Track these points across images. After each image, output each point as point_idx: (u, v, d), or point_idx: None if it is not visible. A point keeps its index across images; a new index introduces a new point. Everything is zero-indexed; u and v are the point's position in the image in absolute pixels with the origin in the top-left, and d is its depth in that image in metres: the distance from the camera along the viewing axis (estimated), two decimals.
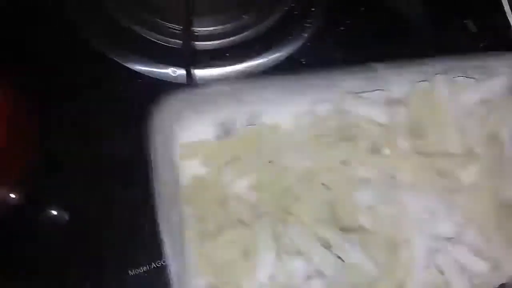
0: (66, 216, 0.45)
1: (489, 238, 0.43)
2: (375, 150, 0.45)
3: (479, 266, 0.41)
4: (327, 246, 0.40)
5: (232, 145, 0.47)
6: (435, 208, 0.42)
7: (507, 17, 0.56)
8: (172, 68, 0.56)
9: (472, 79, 0.48)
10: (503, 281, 0.41)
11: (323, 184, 0.44)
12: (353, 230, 0.41)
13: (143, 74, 0.55)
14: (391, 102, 0.47)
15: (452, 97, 0.47)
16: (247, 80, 0.47)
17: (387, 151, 0.45)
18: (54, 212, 0.45)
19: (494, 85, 0.47)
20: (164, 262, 0.39)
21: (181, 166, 0.45)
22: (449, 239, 0.42)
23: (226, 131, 0.48)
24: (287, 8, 0.59)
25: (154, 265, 0.40)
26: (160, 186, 0.40)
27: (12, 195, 0.44)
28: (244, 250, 0.41)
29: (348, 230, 0.41)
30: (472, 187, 0.44)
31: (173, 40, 0.57)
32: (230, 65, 0.56)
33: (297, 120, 0.48)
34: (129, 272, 0.41)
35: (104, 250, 0.44)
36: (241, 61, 0.57)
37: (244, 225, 0.42)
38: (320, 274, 0.40)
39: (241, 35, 0.58)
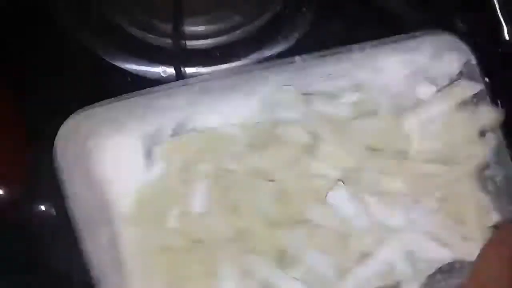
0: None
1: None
2: None
3: (435, 251, 0.42)
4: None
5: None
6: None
7: (498, 16, 0.55)
8: (162, 67, 0.56)
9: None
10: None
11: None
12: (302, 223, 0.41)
13: (132, 73, 0.55)
14: None
15: None
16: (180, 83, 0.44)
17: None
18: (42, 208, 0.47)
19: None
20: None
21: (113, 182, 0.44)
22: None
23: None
24: (278, 8, 0.59)
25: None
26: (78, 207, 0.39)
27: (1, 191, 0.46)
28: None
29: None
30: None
31: (163, 38, 0.57)
32: (220, 64, 0.56)
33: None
34: None
35: None
36: (231, 60, 0.57)
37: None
38: None
39: (231, 34, 0.58)
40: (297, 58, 0.44)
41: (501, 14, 0.54)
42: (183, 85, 0.44)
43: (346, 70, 0.47)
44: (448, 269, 0.43)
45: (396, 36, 0.46)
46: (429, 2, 0.57)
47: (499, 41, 0.54)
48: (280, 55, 0.56)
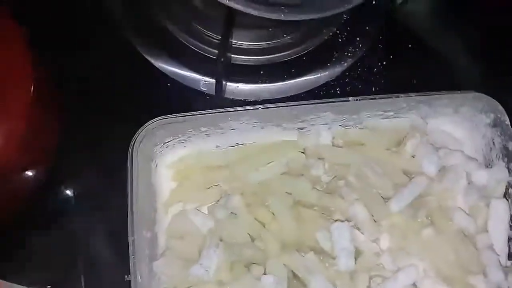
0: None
1: None
2: None
3: None
4: None
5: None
6: None
7: None
8: (204, 77, 0.54)
9: None
10: None
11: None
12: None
13: (173, 78, 0.54)
14: None
15: None
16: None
17: None
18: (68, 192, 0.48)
19: None
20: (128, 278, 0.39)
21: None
22: None
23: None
24: (331, 34, 0.57)
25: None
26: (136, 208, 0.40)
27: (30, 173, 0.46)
28: None
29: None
30: None
31: (208, 48, 0.55)
32: (262, 83, 0.55)
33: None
34: None
35: None
36: (274, 80, 0.55)
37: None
38: None
39: (278, 55, 0.56)
40: (350, 98, 0.45)
41: None
42: (246, 109, 0.44)
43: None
44: None
45: (441, 92, 0.46)
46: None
47: None
48: (324, 85, 0.55)
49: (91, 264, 0.45)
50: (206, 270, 0.39)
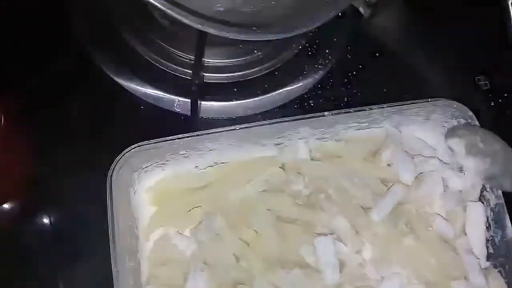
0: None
1: None
2: None
3: None
4: None
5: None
6: None
7: None
8: (177, 98, 0.54)
9: None
10: None
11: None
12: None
13: (146, 100, 0.53)
14: None
15: None
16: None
17: None
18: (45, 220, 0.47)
19: None
20: None
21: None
22: None
23: None
24: (300, 47, 0.58)
25: None
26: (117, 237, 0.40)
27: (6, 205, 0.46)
28: None
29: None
30: None
31: (180, 68, 0.55)
32: (236, 100, 0.55)
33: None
34: None
35: None
36: (248, 97, 0.55)
37: None
38: None
39: (251, 71, 0.57)
40: (326, 113, 0.45)
41: None
42: (223, 131, 0.44)
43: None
44: None
45: (413, 101, 0.47)
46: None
47: None
48: (297, 98, 0.56)
49: None
50: None
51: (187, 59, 0.56)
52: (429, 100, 0.47)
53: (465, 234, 0.45)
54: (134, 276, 0.40)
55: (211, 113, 0.54)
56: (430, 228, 0.44)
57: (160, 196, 0.44)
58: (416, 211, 0.45)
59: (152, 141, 0.42)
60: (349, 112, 0.46)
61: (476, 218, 0.45)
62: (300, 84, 0.56)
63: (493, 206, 0.45)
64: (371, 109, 0.46)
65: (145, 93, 0.54)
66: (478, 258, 0.44)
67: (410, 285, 0.43)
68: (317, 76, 0.57)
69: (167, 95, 0.54)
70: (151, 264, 0.42)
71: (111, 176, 0.40)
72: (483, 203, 0.46)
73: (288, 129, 0.45)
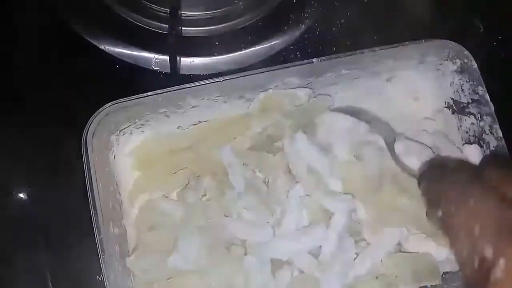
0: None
1: None
2: None
3: None
4: None
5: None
6: None
7: None
8: (155, 55, 0.50)
9: None
10: None
11: None
12: None
13: (121, 60, 0.50)
14: None
15: None
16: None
17: None
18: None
19: None
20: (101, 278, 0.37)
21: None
22: None
23: None
24: None
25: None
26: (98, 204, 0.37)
27: None
28: None
29: None
30: None
31: (157, 23, 0.51)
32: (218, 54, 0.52)
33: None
34: None
35: None
36: (230, 51, 0.52)
37: None
38: None
39: (232, 23, 0.53)
40: (314, 60, 0.42)
41: None
42: (205, 83, 0.41)
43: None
44: None
45: (406, 43, 0.44)
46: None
47: None
48: (283, 50, 0.52)
49: (58, 267, 0.42)
50: (185, 260, 0.37)
51: (163, 12, 0.52)
52: (423, 41, 0.44)
53: None
54: (120, 242, 0.38)
55: (192, 70, 0.51)
56: None
57: (142, 160, 0.42)
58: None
59: (127, 98, 0.39)
60: (339, 57, 0.43)
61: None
62: (286, 35, 0.53)
63: (493, 148, 0.44)
64: (362, 53, 0.43)
65: (121, 51, 0.50)
66: None
67: (412, 235, 0.41)
68: (304, 25, 0.53)
69: (144, 53, 0.50)
70: (138, 230, 0.40)
71: (86, 138, 0.37)
72: (481, 146, 0.44)
73: (275, 80, 0.43)
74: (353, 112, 0.46)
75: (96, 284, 0.38)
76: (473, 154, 0.44)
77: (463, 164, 0.42)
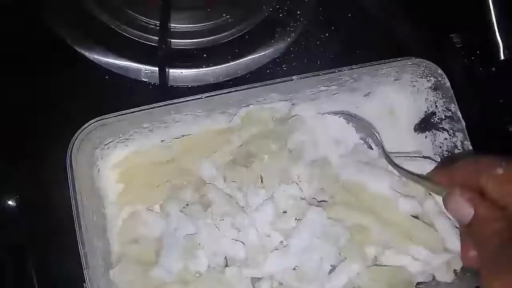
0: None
1: None
2: None
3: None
4: None
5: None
6: None
7: (496, 35, 0.53)
8: (144, 66, 0.51)
9: None
10: None
11: None
12: None
13: (111, 71, 0.50)
14: None
15: None
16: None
17: None
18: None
19: None
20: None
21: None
22: None
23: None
24: (271, 9, 0.54)
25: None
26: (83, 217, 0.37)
27: None
28: None
29: None
30: None
31: (146, 35, 0.52)
32: (206, 66, 0.52)
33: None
34: None
35: None
36: (218, 63, 0.52)
37: None
38: None
39: (220, 36, 0.53)
40: (294, 77, 0.43)
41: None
42: (188, 100, 0.41)
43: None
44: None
45: (382, 61, 0.45)
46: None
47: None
48: (269, 63, 0.53)
49: (44, 278, 0.42)
50: (167, 272, 0.38)
51: (152, 25, 0.52)
52: (399, 59, 0.45)
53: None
54: (103, 255, 0.39)
55: (181, 81, 0.51)
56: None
57: (126, 173, 0.42)
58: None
59: (113, 114, 0.39)
60: (318, 75, 0.43)
61: None
62: (272, 48, 0.53)
63: None
64: (341, 70, 0.44)
65: (110, 62, 0.50)
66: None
67: (387, 249, 0.42)
68: (289, 38, 0.54)
69: (133, 64, 0.51)
70: (121, 243, 0.41)
71: (71, 153, 0.38)
72: None
73: (256, 95, 0.43)
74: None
75: None
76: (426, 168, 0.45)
77: None
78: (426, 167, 0.44)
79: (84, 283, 0.37)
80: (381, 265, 0.42)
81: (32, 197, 0.43)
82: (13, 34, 0.49)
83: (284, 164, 0.42)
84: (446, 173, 0.39)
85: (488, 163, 0.34)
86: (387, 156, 0.44)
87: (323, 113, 0.47)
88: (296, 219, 0.40)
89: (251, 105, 0.44)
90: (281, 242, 0.40)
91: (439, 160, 0.47)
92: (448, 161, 0.45)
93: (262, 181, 0.42)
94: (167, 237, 0.40)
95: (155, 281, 0.38)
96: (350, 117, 0.47)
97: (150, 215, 0.41)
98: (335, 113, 0.47)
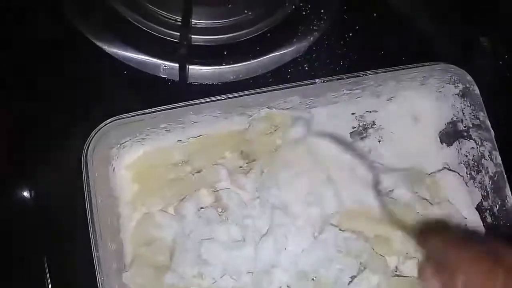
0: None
1: None
2: None
3: None
4: None
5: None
6: None
7: None
8: (164, 62, 0.49)
9: None
10: None
11: None
12: None
13: (129, 65, 0.48)
14: None
15: None
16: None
17: None
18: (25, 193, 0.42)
19: None
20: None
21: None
22: None
23: None
24: (294, 7, 0.52)
25: None
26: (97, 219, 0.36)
27: None
28: None
29: None
30: None
31: (166, 30, 0.49)
32: (226, 64, 0.50)
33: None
34: None
35: None
36: (238, 61, 0.50)
37: None
38: None
39: (241, 33, 0.51)
40: (317, 80, 0.41)
41: None
42: (207, 101, 0.39)
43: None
44: None
45: (409, 66, 0.43)
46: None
47: None
48: (291, 62, 0.50)
49: (56, 276, 0.40)
50: (181, 278, 0.36)
51: (173, 20, 0.50)
52: (426, 64, 0.42)
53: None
54: (116, 258, 0.37)
55: (200, 78, 0.49)
56: None
57: (141, 173, 0.41)
58: None
59: (130, 114, 0.37)
60: (342, 78, 0.41)
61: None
62: (294, 47, 0.51)
63: (492, 174, 0.42)
64: (365, 74, 0.41)
65: (129, 57, 0.48)
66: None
67: (408, 259, 0.40)
68: (312, 38, 0.51)
69: (153, 59, 0.48)
70: (135, 244, 0.39)
71: (86, 152, 0.36)
72: (480, 171, 0.43)
73: (277, 98, 0.41)
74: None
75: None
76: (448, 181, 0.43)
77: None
78: (449, 179, 0.42)
79: None
80: (402, 276, 0.40)
81: (47, 196, 0.42)
82: (31, 27, 0.47)
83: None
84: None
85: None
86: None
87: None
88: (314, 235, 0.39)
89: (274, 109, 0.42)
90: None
91: (464, 170, 0.44)
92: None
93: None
94: (181, 241, 0.38)
95: (168, 285, 0.37)
96: None
97: (164, 217, 0.39)
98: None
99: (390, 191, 0.42)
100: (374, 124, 0.47)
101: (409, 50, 0.49)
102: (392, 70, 0.42)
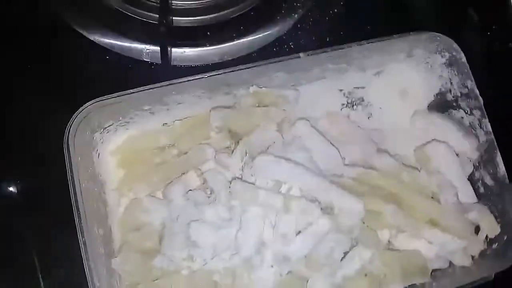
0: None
1: None
2: None
3: None
4: None
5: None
6: None
7: None
8: (146, 46, 0.48)
9: None
10: None
11: None
12: None
13: (111, 51, 0.46)
14: None
15: None
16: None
17: None
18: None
19: None
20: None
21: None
22: None
23: None
24: None
25: None
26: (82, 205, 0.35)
27: None
28: None
29: None
30: None
31: (147, 13, 0.48)
32: (210, 45, 0.49)
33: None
34: None
35: None
36: (223, 41, 0.49)
37: None
38: None
39: (224, 13, 0.49)
40: (301, 54, 0.40)
41: None
42: (190, 80, 0.38)
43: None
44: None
45: (394, 36, 0.42)
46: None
47: None
48: (276, 40, 0.49)
49: (45, 266, 0.40)
50: (170, 260, 0.35)
51: (154, 2, 0.49)
52: (411, 33, 0.41)
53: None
54: (104, 243, 0.36)
55: (184, 61, 0.48)
56: None
57: (127, 157, 0.39)
58: None
59: (112, 95, 0.36)
60: (326, 51, 0.40)
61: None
62: (278, 25, 0.49)
63: (482, 142, 0.41)
64: (350, 47, 0.40)
65: (110, 42, 0.47)
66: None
67: (400, 233, 0.39)
68: (297, 15, 0.50)
69: (135, 43, 0.47)
70: (123, 230, 0.38)
71: (68, 136, 0.35)
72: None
73: (262, 74, 0.40)
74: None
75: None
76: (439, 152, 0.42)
77: None
78: (439, 150, 0.42)
79: None
80: (395, 249, 0.40)
81: (31, 183, 0.41)
82: (11, 13, 0.46)
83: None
84: None
85: None
86: None
87: None
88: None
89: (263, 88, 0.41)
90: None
91: None
92: None
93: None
94: (169, 224, 0.37)
95: (157, 271, 0.36)
96: None
97: (151, 201, 0.38)
98: None
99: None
100: (362, 100, 0.46)
101: (397, 24, 0.48)
102: (377, 41, 0.40)
